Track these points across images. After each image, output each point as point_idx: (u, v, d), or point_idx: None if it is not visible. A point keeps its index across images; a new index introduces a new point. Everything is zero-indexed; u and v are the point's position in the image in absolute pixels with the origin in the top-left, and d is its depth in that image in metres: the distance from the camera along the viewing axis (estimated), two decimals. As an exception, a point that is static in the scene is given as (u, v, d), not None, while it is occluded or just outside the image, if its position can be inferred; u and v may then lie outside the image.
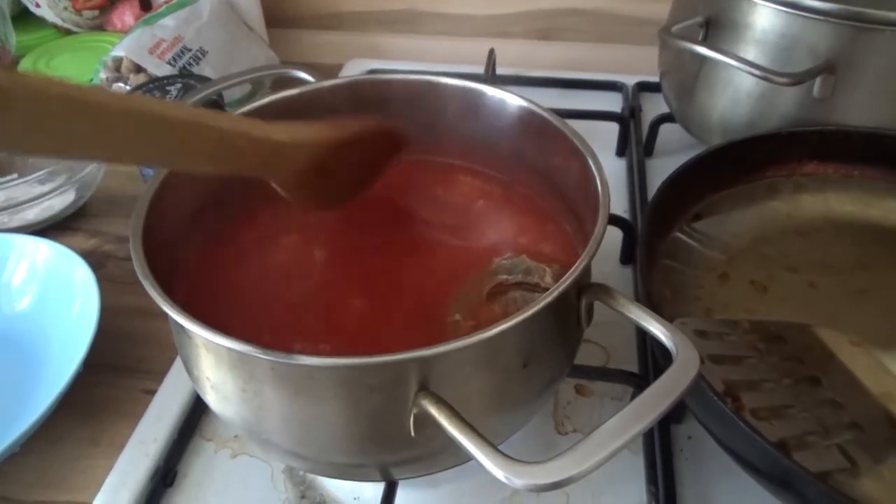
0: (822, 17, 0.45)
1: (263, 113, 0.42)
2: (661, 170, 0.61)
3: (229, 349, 0.27)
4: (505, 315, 0.29)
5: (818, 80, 0.46)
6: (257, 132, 0.32)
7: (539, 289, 0.36)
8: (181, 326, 0.28)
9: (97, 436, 0.43)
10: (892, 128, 0.47)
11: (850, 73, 0.46)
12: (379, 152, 0.40)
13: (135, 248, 0.31)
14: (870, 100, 0.47)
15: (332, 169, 0.36)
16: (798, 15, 0.46)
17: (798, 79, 0.45)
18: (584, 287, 0.32)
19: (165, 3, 0.69)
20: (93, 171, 0.58)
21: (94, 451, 0.42)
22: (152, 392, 0.44)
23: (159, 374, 0.45)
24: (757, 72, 0.45)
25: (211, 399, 0.32)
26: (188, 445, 0.41)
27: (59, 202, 0.57)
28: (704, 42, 0.51)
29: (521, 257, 0.38)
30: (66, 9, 0.77)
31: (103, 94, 0.26)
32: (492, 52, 0.69)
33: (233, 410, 0.31)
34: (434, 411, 0.27)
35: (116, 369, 0.46)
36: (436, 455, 0.32)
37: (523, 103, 0.41)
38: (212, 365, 0.30)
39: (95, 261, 0.54)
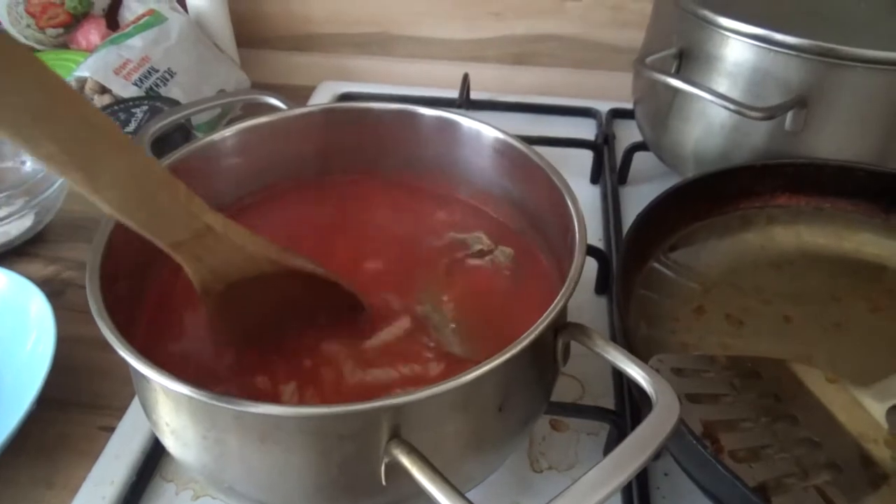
0: (793, 52, 0.45)
1: (233, 140, 0.41)
2: (635, 198, 0.61)
3: (189, 396, 0.26)
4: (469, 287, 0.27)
5: (790, 114, 0.47)
6: (190, 203, 0.28)
7: (492, 253, 0.35)
8: (138, 371, 0.26)
9: (51, 477, 0.40)
10: (863, 161, 0.48)
11: (822, 108, 0.46)
12: (323, 305, 0.35)
13: (91, 283, 0.29)
14: (841, 134, 0.47)
15: (262, 298, 0.32)
16: (770, 49, 0.46)
17: (770, 113, 0.45)
18: (561, 327, 0.31)
19: (133, 22, 0.68)
20: (53, 194, 0.56)
21: (48, 494, 0.40)
22: (111, 429, 0.42)
23: (118, 410, 0.43)
24: (730, 105, 0.45)
25: (170, 444, 0.31)
26: (148, 486, 0.39)
27: (17, 227, 0.55)
28: (678, 73, 0.52)
29: (475, 233, 0.37)
30: (28, 26, 0.74)
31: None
32: (466, 76, 0.69)
33: (193, 457, 0.30)
34: (405, 461, 0.26)
35: (73, 405, 0.44)
36: (407, 502, 0.30)
37: (500, 135, 0.40)
38: (171, 411, 0.29)
39: (54, 289, 0.52)
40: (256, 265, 0.31)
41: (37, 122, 0.22)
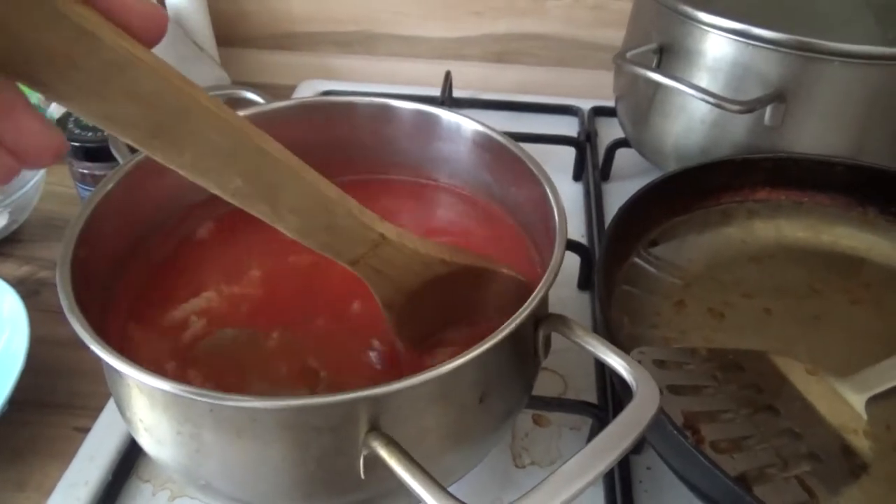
0: (772, 47, 0.46)
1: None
2: (617, 194, 0.61)
3: (163, 391, 0.25)
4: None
5: (769, 109, 0.47)
6: (363, 216, 0.28)
7: None
8: (110, 366, 0.26)
9: (24, 479, 0.40)
10: (841, 155, 0.48)
11: (800, 102, 0.46)
12: (496, 299, 0.34)
13: (62, 279, 0.29)
14: (819, 128, 0.47)
15: (441, 297, 0.32)
16: (749, 44, 0.46)
17: (749, 107, 0.45)
18: (542, 318, 0.31)
19: (110, 19, 0.67)
20: (28, 192, 0.55)
21: (20, 497, 0.39)
22: (85, 430, 0.41)
23: (94, 411, 0.42)
24: (709, 98, 0.46)
25: (145, 442, 0.30)
26: (123, 487, 0.39)
27: (-10, 227, 0.54)
28: (658, 68, 0.52)
29: None
30: (4, 23, 0.73)
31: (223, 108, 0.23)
32: (448, 74, 0.69)
33: (168, 454, 0.29)
34: (384, 453, 0.25)
35: (47, 406, 0.43)
36: (387, 497, 0.30)
37: (479, 128, 0.40)
38: (145, 407, 0.28)
39: (28, 289, 0.51)
40: (431, 269, 0.31)
41: (226, 163, 0.23)
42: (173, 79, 0.21)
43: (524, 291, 0.31)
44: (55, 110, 0.60)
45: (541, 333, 0.31)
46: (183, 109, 0.22)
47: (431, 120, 0.42)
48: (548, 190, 0.35)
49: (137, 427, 0.30)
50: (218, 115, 0.23)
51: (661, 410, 0.26)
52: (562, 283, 0.53)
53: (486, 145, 0.40)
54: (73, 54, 0.19)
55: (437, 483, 0.24)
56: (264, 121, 0.42)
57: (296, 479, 0.28)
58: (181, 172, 0.23)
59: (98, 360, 0.27)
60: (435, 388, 0.27)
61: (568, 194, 0.61)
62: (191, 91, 0.21)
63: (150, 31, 0.20)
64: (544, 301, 0.31)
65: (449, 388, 0.28)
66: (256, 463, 0.27)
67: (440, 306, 0.33)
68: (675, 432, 0.30)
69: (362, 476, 0.27)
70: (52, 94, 0.20)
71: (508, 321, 0.28)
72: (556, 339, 0.32)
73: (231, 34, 0.80)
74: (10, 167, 0.20)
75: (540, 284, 0.29)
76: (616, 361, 0.28)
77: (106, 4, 0.19)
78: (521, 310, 0.28)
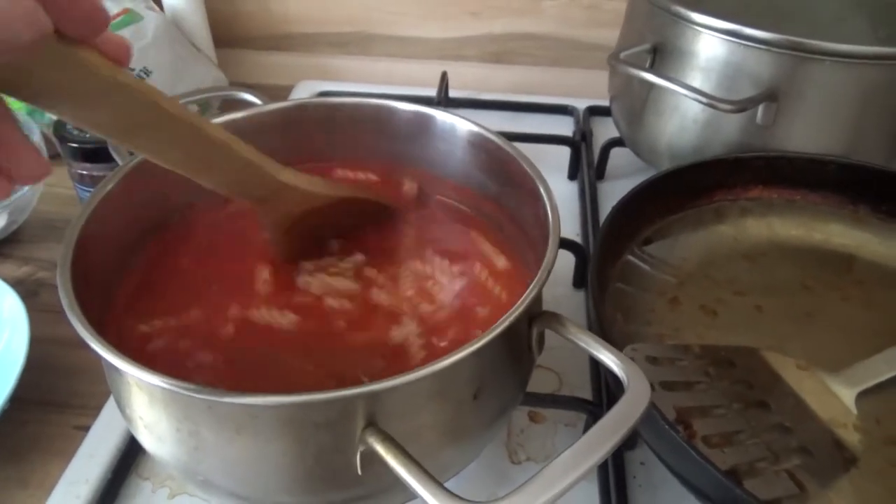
0: (763, 47, 0.46)
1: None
2: (612, 193, 0.61)
3: (162, 388, 0.26)
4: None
5: (761, 108, 0.47)
6: (270, 169, 0.34)
7: None
8: (110, 363, 0.26)
9: (25, 477, 0.40)
10: (833, 154, 0.48)
11: (792, 101, 0.47)
12: (359, 218, 0.41)
13: (62, 279, 0.29)
14: (811, 127, 0.48)
15: (318, 222, 0.38)
16: (741, 44, 0.47)
17: (741, 106, 0.46)
18: (535, 315, 0.31)
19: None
20: (27, 194, 0.55)
21: (22, 494, 0.39)
22: (86, 428, 0.42)
23: (94, 409, 0.43)
24: (702, 98, 0.46)
25: (144, 439, 0.30)
26: (123, 485, 0.39)
27: (-10, 227, 0.54)
28: (652, 69, 0.52)
29: None
30: (2, 25, 0.74)
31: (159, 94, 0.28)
32: (444, 74, 0.69)
33: (168, 451, 0.29)
34: (381, 449, 0.26)
35: (47, 405, 0.44)
36: (384, 492, 0.30)
37: (474, 128, 0.41)
38: (144, 404, 0.28)
39: (27, 289, 0.52)
40: (317, 199, 0.37)
41: (172, 144, 0.29)
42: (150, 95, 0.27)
43: (389, 211, 0.41)
44: (53, 112, 0.61)
45: (535, 330, 0.32)
46: (154, 119, 0.28)
47: (427, 120, 0.42)
48: (541, 188, 0.35)
49: (137, 424, 0.30)
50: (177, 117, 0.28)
51: (652, 405, 0.26)
52: (557, 282, 0.53)
53: (481, 145, 0.41)
54: (67, 81, 0.24)
55: (434, 478, 0.24)
56: (262, 122, 0.43)
57: (294, 475, 0.28)
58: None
59: (97, 359, 0.28)
60: (430, 384, 0.28)
61: (563, 193, 0.62)
62: (157, 100, 0.27)
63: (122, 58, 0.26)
64: (538, 298, 0.32)
65: (444, 384, 0.28)
66: (255, 459, 0.28)
67: (317, 227, 0.39)
68: (667, 427, 0.31)
69: (359, 472, 0.27)
70: (33, 103, 0.24)
71: (502, 318, 0.28)
72: (551, 337, 0.33)
73: (228, 35, 0.81)
74: (6, 188, 0.24)
75: (533, 282, 0.30)
76: (608, 357, 0.28)
77: (93, 41, 0.24)
78: (515, 307, 0.29)
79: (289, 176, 0.35)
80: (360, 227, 0.41)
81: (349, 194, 0.40)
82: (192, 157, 0.31)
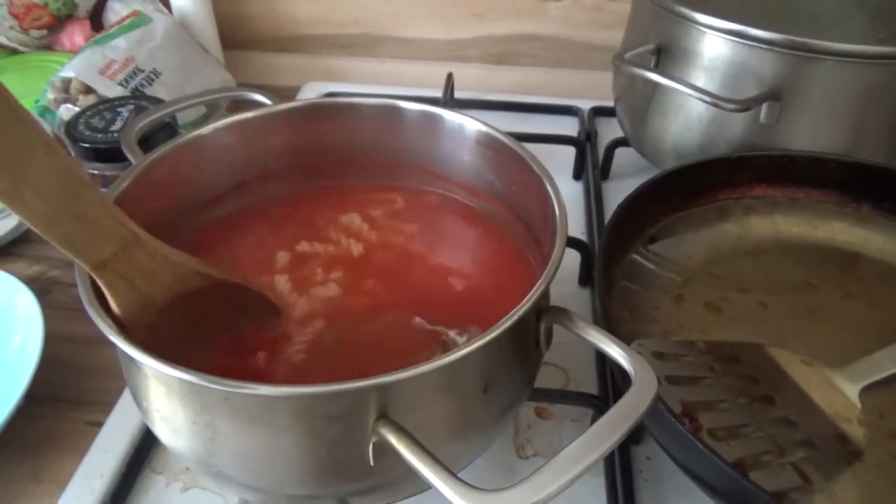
0: (767, 47, 0.46)
1: (220, 135, 0.42)
2: (617, 192, 0.62)
3: (180, 379, 0.26)
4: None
5: (764, 107, 0.48)
6: (118, 214, 0.26)
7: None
8: (128, 356, 0.27)
9: (39, 472, 0.41)
10: (836, 152, 0.49)
11: (795, 101, 0.47)
12: (242, 312, 0.35)
13: (81, 275, 0.30)
14: (814, 126, 0.48)
15: (188, 313, 0.31)
16: (744, 44, 0.47)
17: (744, 105, 0.46)
18: (543, 310, 0.32)
19: (117, 23, 0.68)
20: (38, 194, 0.56)
21: (36, 489, 0.40)
22: (99, 424, 0.42)
23: (107, 405, 0.43)
24: (706, 98, 0.47)
25: (160, 431, 0.31)
26: (137, 479, 0.40)
27: (1, 227, 0.55)
28: (656, 68, 0.53)
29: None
30: (12, 28, 0.74)
31: None
32: (450, 75, 0.70)
33: (183, 443, 0.30)
34: (393, 439, 0.26)
35: (61, 401, 0.44)
36: (396, 483, 0.31)
37: (482, 128, 0.41)
38: (161, 396, 0.29)
39: (40, 287, 0.52)
40: (183, 282, 0.30)
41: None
42: None
43: (265, 302, 0.34)
44: (64, 112, 0.61)
45: (542, 325, 0.32)
46: None
47: (435, 120, 0.43)
48: (548, 186, 0.36)
49: (154, 417, 0.31)
50: None
51: (658, 397, 0.27)
52: (563, 280, 0.54)
53: (489, 144, 0.41)
54: None
55: (446, 467, 0.25)
56: (271, 122, 0.43)
57: (307, 466, 0.29)
58: None
59: (110, 355, 0.28)
60: (440, 377, 0.28)
61: (568, 193, 0.62)
62: None
63: None
64: (546, 294, 0.32)
65: (454, 377, 0.29)
66: (269, 451, 0.28)
67: (183, 320, 0.31)
68: (674, 420, 0.31)
69: (372, 463, 0.28)
70: None
71: (511, 312, 0.29)
72: (558, 334, 0.33)
73: (236, 37, 0.82)
74: None
75: (542, 277, 0.30)
76: (615, 351, 0.29)
77: None
78: (523, 301, 0.29)
79: (141, 231, 0.28)
80: (235, 321, 0.35)
81: (220, 277, 0.32)
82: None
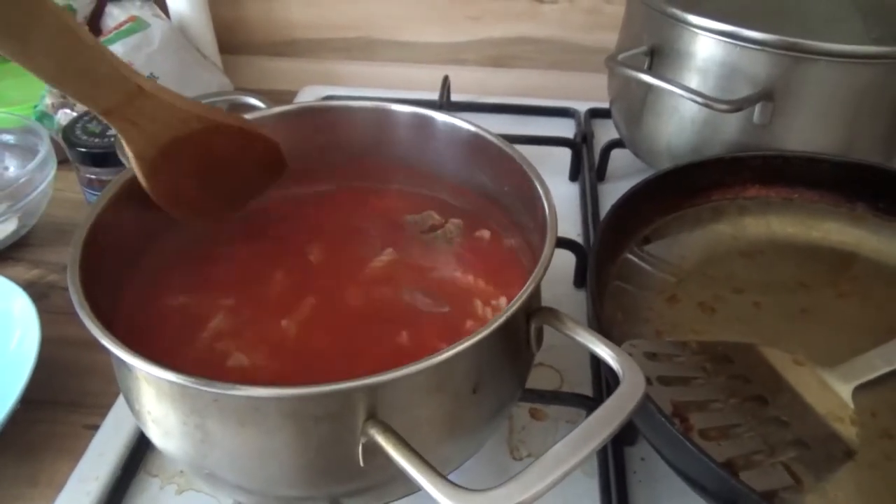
0: (759, 47, 0.47)
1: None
2: (612, 194, 0.61)
3: (170, 381, 0.26)
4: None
5: (757, 107, 0.48)
6: (124, 70, 0.30)
7: (443, 227, 0.41)
8: (120, 359, 0.27)
9: (35, 475, 0.41)
10: (830, 153, 0.49)
11: (788, 101, 0.47)
12: (252, 167, 0.38)
13: (72, 276, 0.30)
14: (807, 126, 0.49)
15: (192, 159, 0.34)
16: (737, 45, 0.47)
17: (737, 106, 0.46)
18: (533, 311, 0.32)
19: (115, 29, 0.68)
20: (37, 198, 0.56)
21: (32, 492, 0.40)
22: (95, 427, 0.42)
23: (103, 409, 0.44)
24: (698, 99, 0.47)
25: (152, 433, 0.31)
26: (132, 482, 0.40)
27: (0, 232, 0.55)
28: (649, 70, 0.53)
29: (428, 212, 0.42)
30: (11, 34, 0.75)
31: None
32: (446, 78, 0.70)
33: (175, 445, 0.30)
34: (382, 440, 0.26)
35: (58, 404, 0.45)
36: (386, 484, 0.31)
37: (472, 129, 0.41)
38: (152, 398, 0.29)
39: (38, 291, 0.53)
40: (186, 124, 0.33)
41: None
42: None
43: (274, 152, 0.37)
44: (62, 117, 0.62)
45: (532, 326, 0.32)
46: None
47: (427, 122, 0.43)
48: (538, 186, 0.36)
49: (145, 419, 0.31)
50: None
51: (647, 397, 0.27)
52: (558, 281, 0.54)
53: (480, 146, 0.41)
54: None
55: (434, 469, 0.25)
56: (267, 124, 0.43)
57: (297, 467, 0.29)
58: None
59: (107, 358, 0.28)
60: (429, 377, 0.28)
61: (564, 195, 0.62)
62: None
63: None
64: (536, 294, 0.32)
65: (443, 377, 0.29)
66: (259, 452, 0.28)
67: (194, 166, 0.35)
68: (664, 420, 0.31)
69: (361, 464, 0.28)
70: None
71: (500, 313, 0.29)
72: (553, 336, 0.33)
73: (233, 41, 0.82)
74: None
75: (531, 277, 0.30)
76: (604, 351, 0.29)
77: None
78: (513, 301, 0.29)
79: (146, 81, 0.31)
80: (255, 183, 0.38)
81: (223, 120, 0.35)
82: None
